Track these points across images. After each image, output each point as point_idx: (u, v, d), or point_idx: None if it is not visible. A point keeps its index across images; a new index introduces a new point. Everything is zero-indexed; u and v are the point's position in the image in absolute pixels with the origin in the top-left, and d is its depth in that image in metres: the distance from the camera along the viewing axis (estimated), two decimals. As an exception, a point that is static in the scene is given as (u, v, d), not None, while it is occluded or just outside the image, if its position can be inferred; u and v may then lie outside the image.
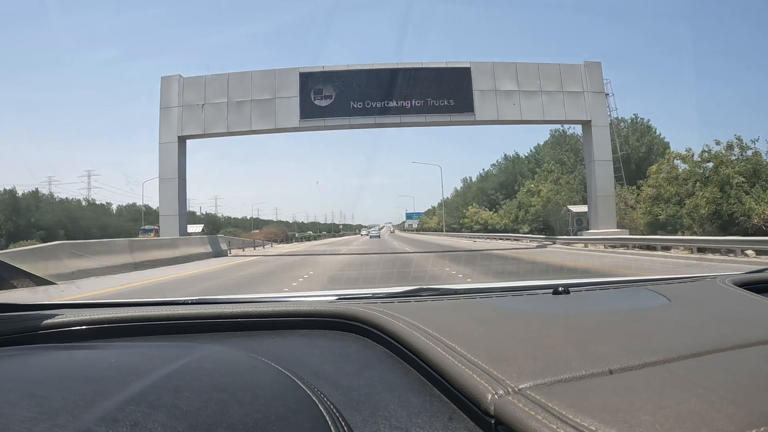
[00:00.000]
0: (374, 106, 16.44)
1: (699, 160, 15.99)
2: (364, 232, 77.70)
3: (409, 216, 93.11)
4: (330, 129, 17.28)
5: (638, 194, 20.95)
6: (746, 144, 15.00)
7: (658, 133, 30.93)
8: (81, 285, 9.05)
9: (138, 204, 50.74)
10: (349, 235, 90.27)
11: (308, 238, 54.16)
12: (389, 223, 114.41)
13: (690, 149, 16.40)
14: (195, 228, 35.87)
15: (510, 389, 0.48)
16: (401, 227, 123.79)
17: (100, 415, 0.38)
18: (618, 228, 16.76)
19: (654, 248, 12.89)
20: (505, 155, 45.60)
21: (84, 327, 0.83)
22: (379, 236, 48.89)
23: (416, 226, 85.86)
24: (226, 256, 16.28)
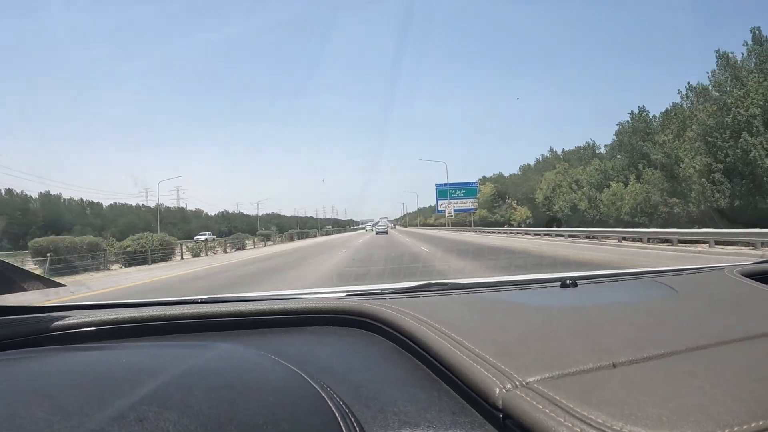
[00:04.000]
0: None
1: None
2: (369, 226, 72.87)
3: (444, 191, 43.76)
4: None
5: None
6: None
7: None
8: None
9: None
10: (333, 233, 69.15)
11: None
12: (384, 218, 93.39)
13: None
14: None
15: (518, 383, 0.48)
16: (403, 222, 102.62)
17: (113, 415, 0.39)
18: None
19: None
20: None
21: (94, 328, 0.84)
22: (386, 233, 41.65)
23: (475, 208, 42.94)
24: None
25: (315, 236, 55.09)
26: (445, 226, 49.86)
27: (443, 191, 44.70)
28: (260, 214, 74.58)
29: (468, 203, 43.93)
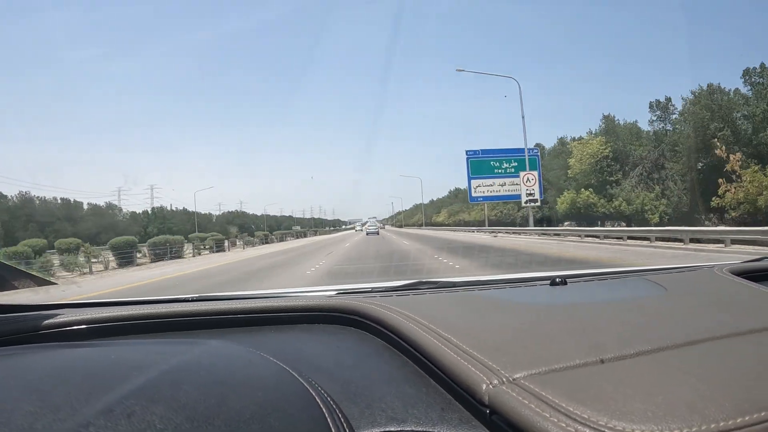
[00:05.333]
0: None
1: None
2: (359, 226, 69.01)
3: (483, 164, 23.79)
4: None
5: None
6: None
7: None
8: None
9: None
10: (293, 237, 49.23)
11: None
12: (374, 217, 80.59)
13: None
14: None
15: (504, 379, 0.48)
16: (397, 221, 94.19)
17: (100, 409, 0.39)
18: None
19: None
20: None
21: (84, 326, 0.84)
22: (377, 233, 37.67)
23: (535, 195, 21.19)
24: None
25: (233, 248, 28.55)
26: (472, 224, 29.39)
27: (482, 163, 24.37)
28: (223, 212, 59.09)
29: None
